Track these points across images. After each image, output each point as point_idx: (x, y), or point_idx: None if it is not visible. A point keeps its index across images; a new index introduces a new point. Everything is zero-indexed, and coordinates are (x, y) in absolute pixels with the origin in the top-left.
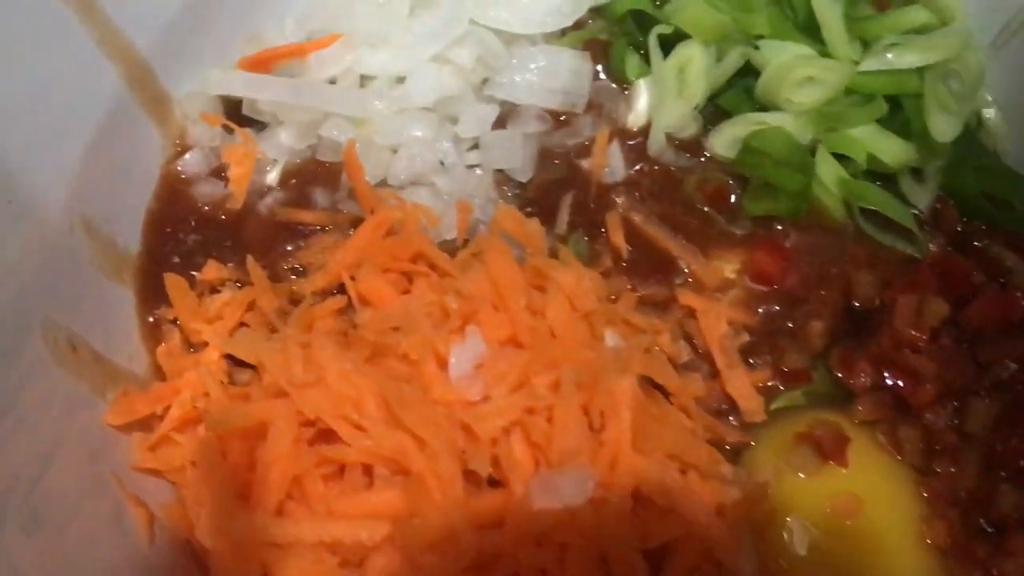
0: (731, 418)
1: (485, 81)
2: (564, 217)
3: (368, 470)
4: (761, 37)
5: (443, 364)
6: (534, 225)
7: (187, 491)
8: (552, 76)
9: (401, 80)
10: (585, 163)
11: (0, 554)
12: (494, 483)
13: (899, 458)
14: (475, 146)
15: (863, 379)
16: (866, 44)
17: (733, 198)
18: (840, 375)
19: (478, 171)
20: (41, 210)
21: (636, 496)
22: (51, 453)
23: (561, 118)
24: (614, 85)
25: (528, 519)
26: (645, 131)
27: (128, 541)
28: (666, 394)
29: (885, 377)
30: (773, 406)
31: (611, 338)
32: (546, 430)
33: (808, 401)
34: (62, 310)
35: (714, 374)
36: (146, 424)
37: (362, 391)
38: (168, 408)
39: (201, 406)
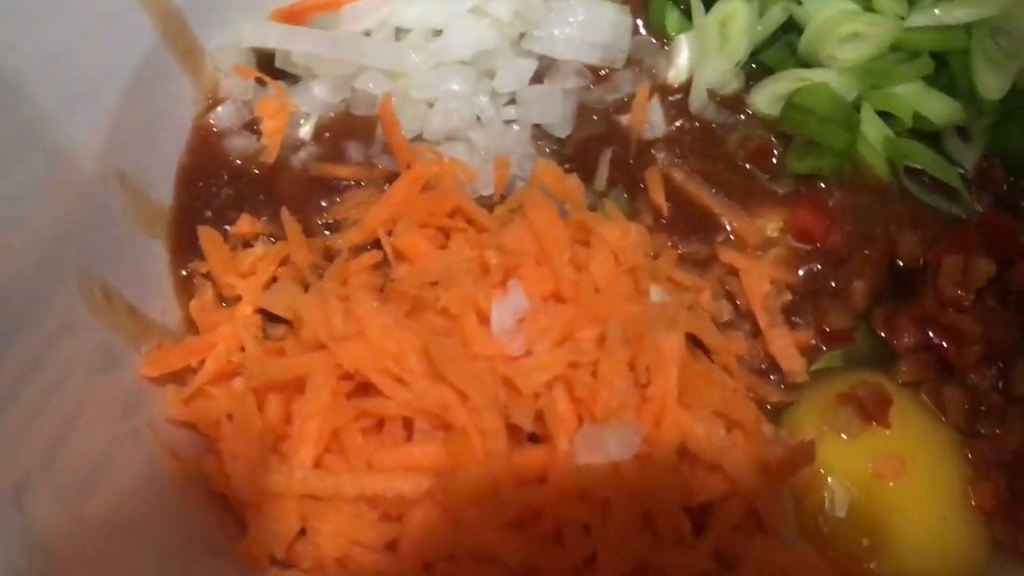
0: (772, 377)
1: (522, 35)
2: (603, 174)
3: (408, 424)
4: None
5: (484, 319)
6: (574, 180)
7: (223, 444)
8: (591, 30)
9: (438, 33)
10: (624, 119)
11: (32, 515)
12: (535, 439)
13: (943, 420)
14: (512, 101)
15: (907, 339)
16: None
17: (775, 156)
18: (884, 335)
19: (515, 127)
20: (77, 159)
21: (681, 453)
22: (83, 407)
23: (600, 73)
24: (654, 40)
25: (571, 474)
26: (686, 87)
27: (162, 495)
28: (708, 353)
29: (929, 337)
30: (815, 367)
31: (656, 293)
32: (590, 385)
33: (848, 362)
34: (97, 262)
35: (756, 333)
36: (179, 378)
37: (403, 345)
38: (203, 361)
39: (236, 360)
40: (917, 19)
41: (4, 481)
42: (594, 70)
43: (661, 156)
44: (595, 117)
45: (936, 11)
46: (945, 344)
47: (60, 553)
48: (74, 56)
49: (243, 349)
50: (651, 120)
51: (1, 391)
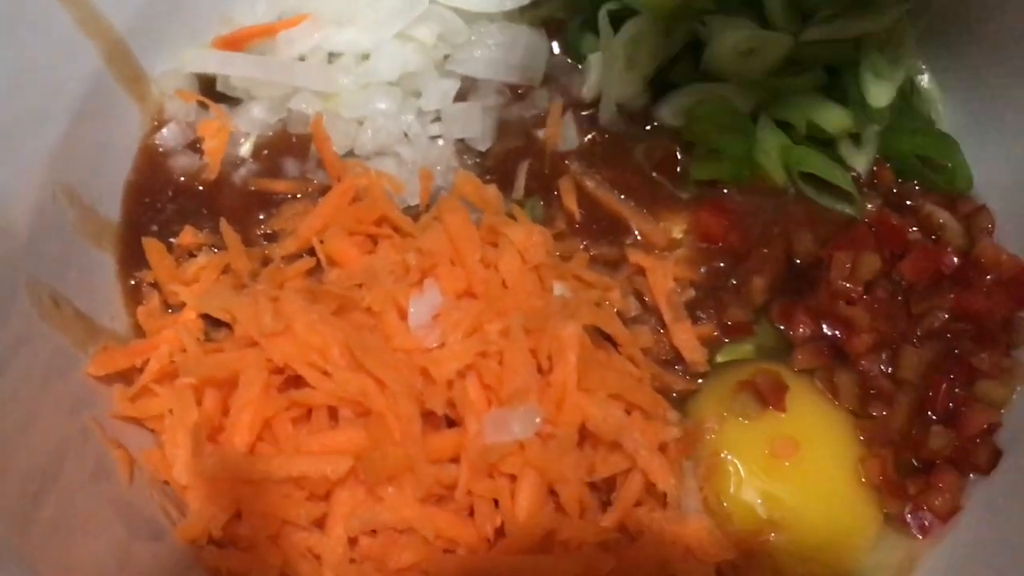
0: (677, 368)
1: (446, 57)
2: (521, 184)
3: (333, 412)
4: (707, 12)
5: (403, 315)
6: (492, 190)
7: (165, 436)
8: (510, 51)
9: (366, 57)
10: (541, 133)
11: None
12: (451, 424)
13: (836, 403)
14: (437, 118)
15: (802, 330)
16: (804, 16)
17: (680, 164)
18: (781, 327)
19: (440, 142)
20: (29, 177)
21: (583, 433)
22: (38, 405)
23: (519, 92)
24: (569, 60)
25: (481, 453)
26: (598, 102)
27: (111, 484)
28: (616, 346)
29: (823, 328)
30: (719, 359)
31: (559, 288)
32: (498, 372)
33: (758, 354)
34: (46, 272)
35: (662, 327)
36: (126, 378)
37: (327, 339)
38: (147, 362)
39: (179, 360)
40: (810, 34)
41: None
42: (513, 88)
43: (574, 166)
44: (514, 132)
45: (828, 26)
46: (838, 334)
47: (11, 547)
48: (23, 82)
49: (185, 350)
50: (565, 134)
51: None
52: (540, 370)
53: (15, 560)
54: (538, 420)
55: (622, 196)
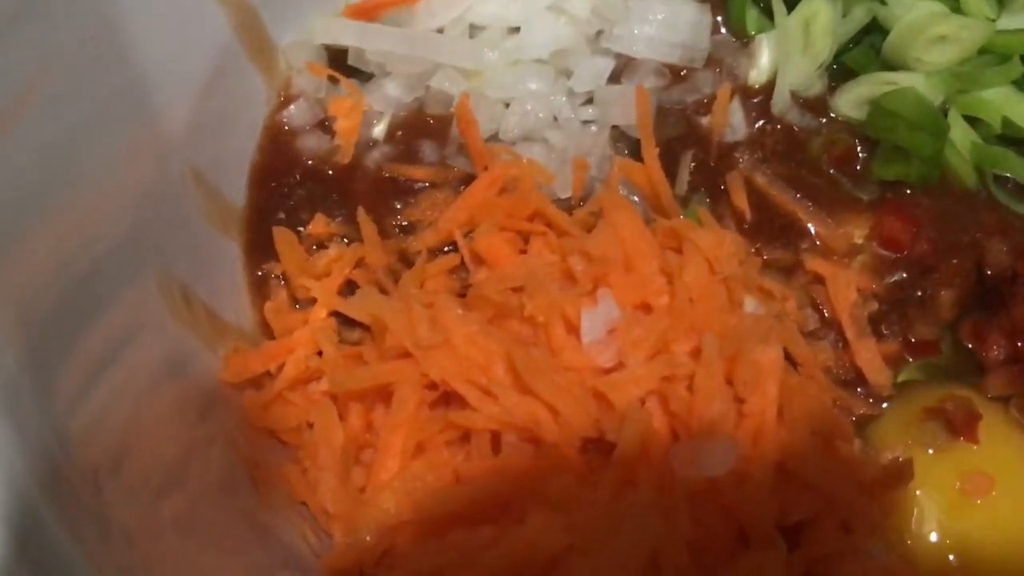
0: (859, 389)
1: (600, 33)
2: (684, 177)
3: (495, 436)
4: None
5: (571, 328)
6: (659, 174)
7: (303, 452)
8: (671, 29)
9: (514, 30)
10: (705, 121)
11: (111, 507)
12: None
13: None
14: (590, 100)
15: (995, 352)
16: (1002, 1)
17: (860, 161)
18: (971, 347)
19: (593, 127)
20: (158, 147)
21: (778, 469)
22: (159, 404)
23: (680, 73)
24: (734, 39)
25: (670, 489)
26: (767, 89)
27: (240, 500)
28: (793, 363)
29: (1019, 349)
30: (900, 379)
31: (750, 304)
32: (687, 399)
33: (929, 374)
34: (173, 260)
35: (841, 343)
36: (255, 382)
37: (490, 355)
38: (281, 366)
39: (314, 365)
40: (1007, 21)
41: (85, 468)
42: (673, 70)
43: (743, 159)
44: (675, 119)
45: None
46: None
47: (138, 544)
48: (151, 50)
49: (320, 354)
50: (732, 122)
51: (75, 382)
52: (734, 398)
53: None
54: (734, 456)
55: (797, 195)
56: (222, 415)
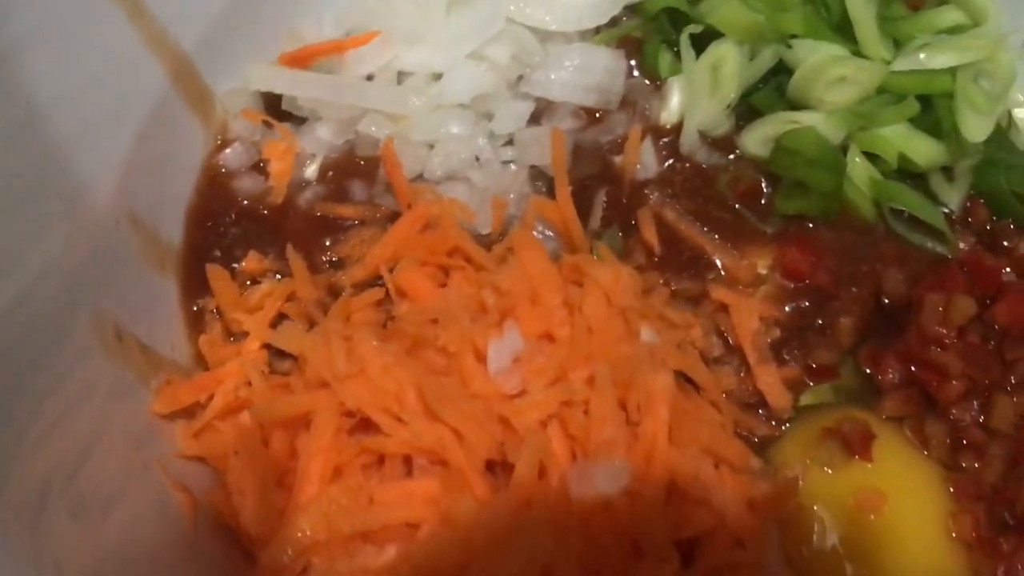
0: (760, 411)
1: (520, 78)
2: (598, 213)
3: (408, 459)
4: (794, 36)
5: (481, 357)
6: (571, 212)
7: (230, 478)
8: (587, 73)
9: (438, 77)
10: (618, 160)
11: (45, 538)
12: None
13: (925, 453)
14: (510, 142)
15: (891, 375)
16: (898, 44)
17: (764, 196)
18: (869, 371)
19: (513, 167)
20: (89, 199)
21: (669, 488)
22: (96, 440)
23: (595, 115)
24: (647, 82)
25: (563, 507)
26: (678, 128)
27: (172, 527)
28: (697, 387)
29: (913, 373)
30: (802, 401)
31: (647, 333)
32: (583, 423)
33: (838, 397)
34: (109, 300)
35: (744, 368)
36: (189, 412)
37: (403, 384)
38: (211, 396)
39: (243, 395)
40: (903, 63)
41: (19, 504)
42: (589, 112)
43: (654, 196)
44: (590, 158)
45: (921, 56)
46: (928, 380)
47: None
48: (89, 99)
49: (250, 384)
50: (643, 161)
51: (19, 418)
52: (628, 421)
53: None
54: (626, 475)
55: (705, 228)
56: (156, 443)
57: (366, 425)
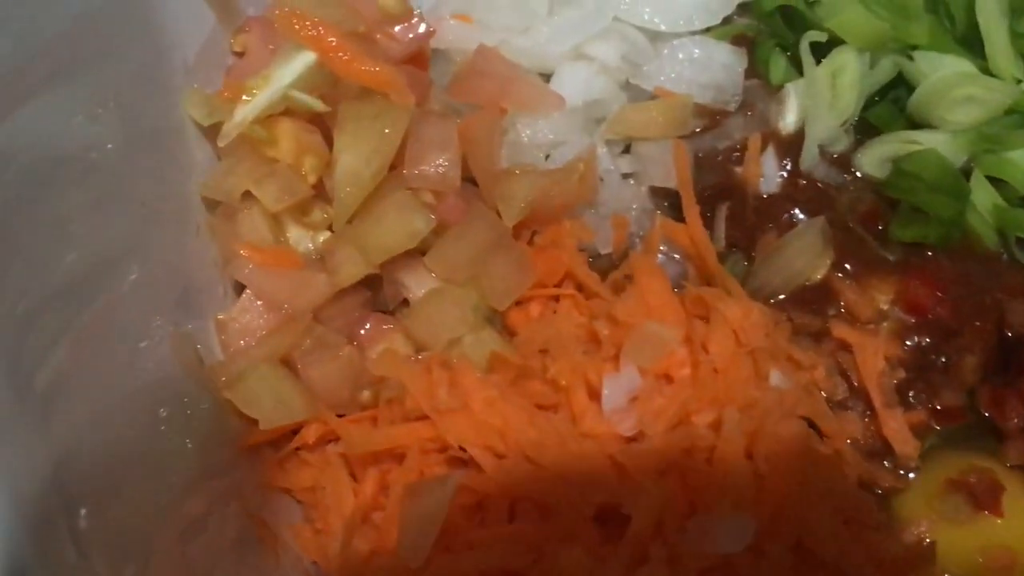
0: (885, 462)
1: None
2: (721, 233)
3: (511, 502)
4: (916, 47)
5: (594, 394)
6: (703, 237)
7: (316, 513)
8: (704, 69)
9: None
10: (738, 170)
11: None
12: None
13: None
14: (627, 149)
15: (1016, 420)
16: None
17: (885, 220)
18: (989, 415)
19: (631, 181)
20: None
21: (797, 547)
22: (183, 469)
23: (714, 116)
24: (761, 83)
25: (681, 565)
26: (795, 138)
27: (253, 560)
28: (820, 433)
29: None
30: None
31: (776, 377)
32: (706, 473)
33: (946, 439)
34: (189, 317)
35: (868, 412)
36: (274, 442)
37: (508, 420)
38: (299, 427)
39: (340, 431)
40: None
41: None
42: (705, 112)
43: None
44: (709, 166)
45: None
46: None
47: None
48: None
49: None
50: (765, 172)
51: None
52: (754, 472)
53: None
54: (750, 533)
55: None
56: (240, 472)
57: (466, 462)
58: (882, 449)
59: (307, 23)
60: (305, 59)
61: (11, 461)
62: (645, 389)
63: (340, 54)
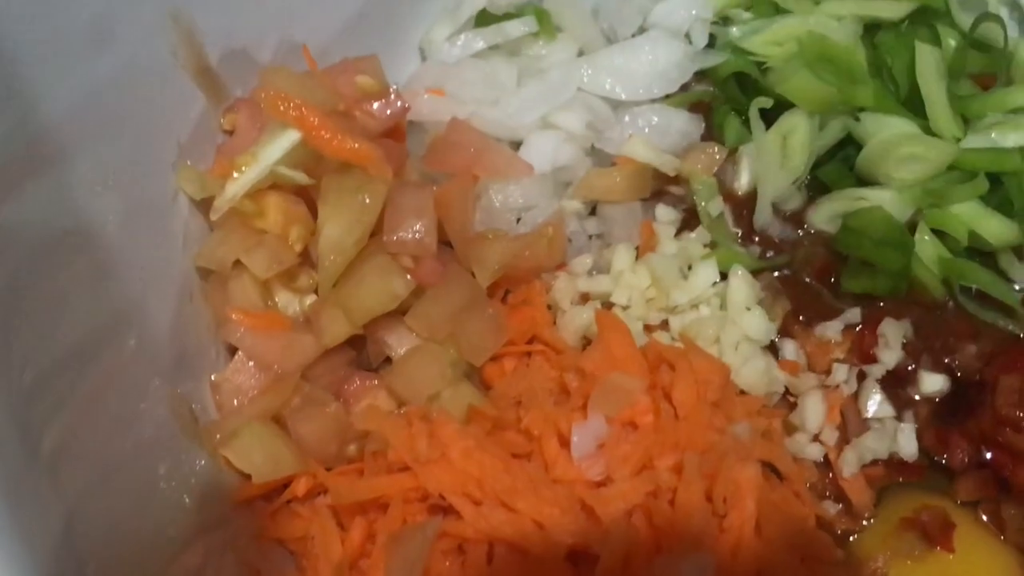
0: (840, 505)
1: (593, 148)
2: None
3: (489, 546)
4: (863, 109)
5: (564, 442)
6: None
7: (307, 562)
8: (663, 135)
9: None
10: None
11: None
12: None
13: (1002, 538)
14: (593, 211)
15: (961, 456)
16: (967, 121)
17: (837, 273)
18: (934, 454)
19: (598, 242)
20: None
21: None
22: (176, 521)
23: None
24: (721, 148)
25: None
26: (748, 198)
27: None
28: (780, 476)
29: (984, 455)
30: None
31: (739, 426)
32: (669, 514)
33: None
34: (184, 378)
35: (825, 458)
36: (266, 494)
37: (484, 469)
38: (289, 480)
39: (327, 482)
40: (973, 141)
41: None
42: (664, 177)
43: None
44: None
45: (992, 134)
46: (1002, 463)
47: None
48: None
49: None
50: None
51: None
52: (714, 513)
53: None
54: (711, 571)
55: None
56: (235, 525)
57: (446, 509)
58: (840, 493)
59: (291, 104)
60: (290, 137)
61: (28, 522)
62: (612, 436)
63: (322, 132)
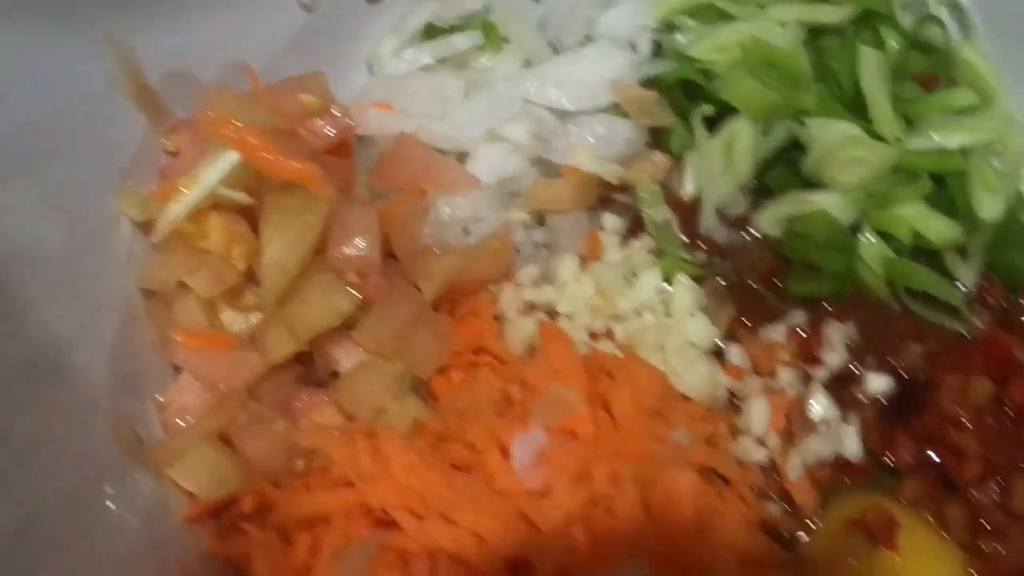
0: (787, 507)
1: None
2: None
3: (433, 559)
4: (807, 113)
5: (506, 452)
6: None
7: None
8: (609, 145)
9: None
10: None
11: None
12: None
13: (946, 537)
14: (541, 221)
15: (905, 456)
16: (911, 123)
17: (784, 277)
18: (880, 454)
19: (546, 251)
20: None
21: None
22: (124, 539)
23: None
24: (668, 155)
25: None
26: (694, 204)
27: None
28: (725, 480)
29: (928, 455)
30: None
31: (679, 433)
32: (607, 523)
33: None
34: (130, 399)
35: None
36: (215, 512)
37: (426, 483)
38: (236, 498)
39: (268, 494)
40: (917, 143)
41: None
42: (608, 186)
43: None
44: None
45: (935, 136)
46: (946, 462)
47: None
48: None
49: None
50: None
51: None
52: (651, 520)
53: None
54: None
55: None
56: (183, 543)
57: (390, 524)
58: (786, 496)
59: (230, 126)
60: (230, 159)
61: None
62: (552, 446)
63: (263, 153)
